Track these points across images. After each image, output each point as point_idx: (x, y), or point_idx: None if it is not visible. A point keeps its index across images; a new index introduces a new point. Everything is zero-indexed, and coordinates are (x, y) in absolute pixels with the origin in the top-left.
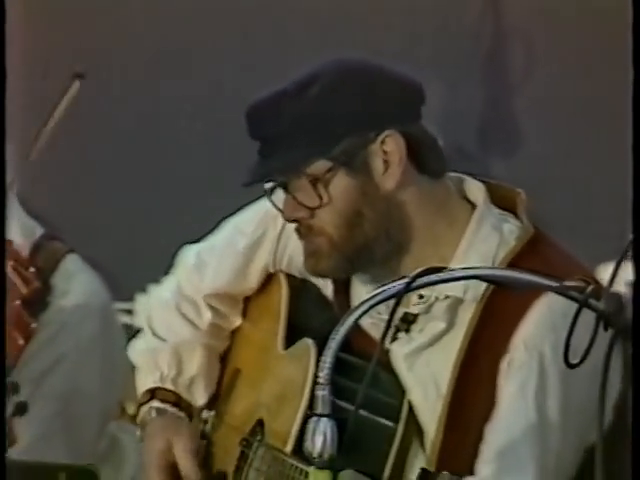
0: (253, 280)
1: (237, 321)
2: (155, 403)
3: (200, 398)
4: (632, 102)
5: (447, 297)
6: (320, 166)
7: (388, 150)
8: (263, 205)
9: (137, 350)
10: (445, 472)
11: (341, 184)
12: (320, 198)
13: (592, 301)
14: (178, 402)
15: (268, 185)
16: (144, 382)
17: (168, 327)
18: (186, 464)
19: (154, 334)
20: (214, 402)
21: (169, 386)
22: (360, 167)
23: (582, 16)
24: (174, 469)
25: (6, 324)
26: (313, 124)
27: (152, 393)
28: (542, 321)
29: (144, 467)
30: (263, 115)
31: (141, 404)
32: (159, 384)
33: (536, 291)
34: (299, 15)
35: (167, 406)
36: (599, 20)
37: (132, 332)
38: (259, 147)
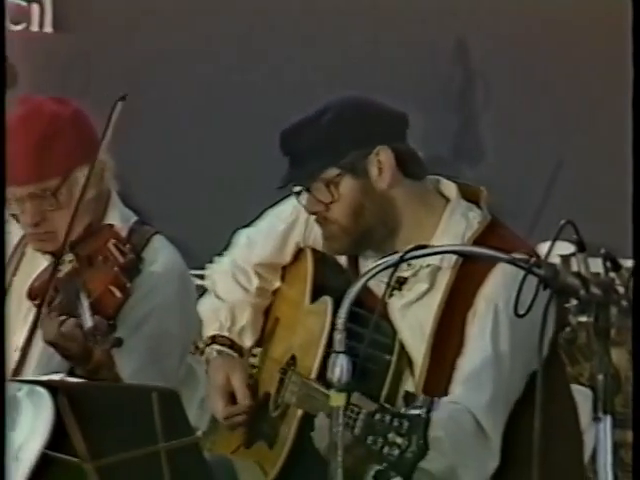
0: (289, 253)
1: (277, 284)
2: (216, 346)
3: (248, 342)
4: (632, 102)
5: (429, 265)
6: (332, 172)
7: (381, 160)
8: (295, 199)
9: (204, 306)
10: (422, 395)
11: (347, 185)
12: (332, 195)
13: (535, 269)
14: (232, 345)
15: (297, 189)
16: (208, 330)
17: (226, 290)
18: (240, 391)
19: (216, 295)
20: (261, 342)
21: (225, 333)
22: (361, 172)
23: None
24: (231, 395)
25: (103, 284)
26: (327, 142)
27: (213, 338)
28: (497, 283)
29: (208, 393)
30: (291, 137)
31: (206, 346)
32: (218, 332)
33: (493, 261)
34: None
35: (224, 348)
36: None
37: (202, 291)
38: (289, 160)
